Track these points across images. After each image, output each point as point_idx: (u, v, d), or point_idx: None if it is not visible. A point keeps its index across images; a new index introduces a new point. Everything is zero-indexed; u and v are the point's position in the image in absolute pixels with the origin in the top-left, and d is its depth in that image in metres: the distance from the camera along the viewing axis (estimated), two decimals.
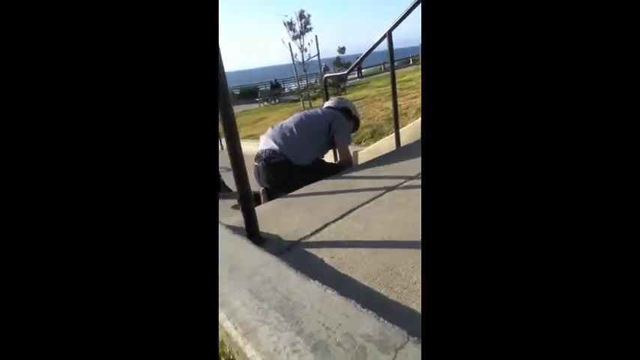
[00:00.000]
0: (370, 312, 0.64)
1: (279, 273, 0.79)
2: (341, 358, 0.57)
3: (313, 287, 0.71)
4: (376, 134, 3.23)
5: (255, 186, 1.75)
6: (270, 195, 1.89)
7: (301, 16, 13.71)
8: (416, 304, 0.72)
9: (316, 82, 12.99)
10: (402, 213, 1.18)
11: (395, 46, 2.23)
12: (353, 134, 2.46)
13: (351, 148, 2.76)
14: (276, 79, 17.73)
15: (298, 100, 12.31)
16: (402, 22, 2.08)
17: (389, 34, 2.14)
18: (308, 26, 13.76)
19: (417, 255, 0.90)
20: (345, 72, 2.38)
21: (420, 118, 2.82)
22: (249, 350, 0.63)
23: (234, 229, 1.14)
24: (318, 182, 1.66)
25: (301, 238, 1.11)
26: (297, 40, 13.45)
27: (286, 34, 13.45)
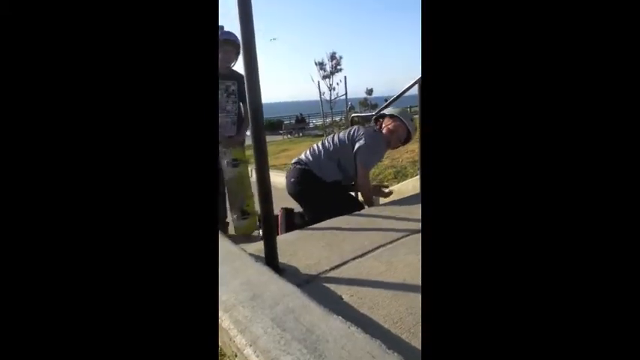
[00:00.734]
0: (396, 354, 0.63)
1: (302, 304, 0.79)
2: None
3: (337, 323, 0.71)
4: (400, 175, 3.25)
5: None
6: (289, 214, 1.95)
7: (332, 57, 14.30)
8: None
9: (341, 119, 13.28)
10: None
11: None
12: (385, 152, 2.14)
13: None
14: (301, 114, 18.24)
15: (322, 135, 12.55)
16: None
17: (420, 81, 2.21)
18: (338, 67, 14.30)
19: None
20: (373, 113, 2.38)
21: None
22: None
23: (256, 258, 1.15)
24: (340, 218, 1.67)
25: (320, 273, 1.11)
26: (327, 80, 13.94)
27: (316, 73, 14.00)
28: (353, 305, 0.91)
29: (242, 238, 2.11)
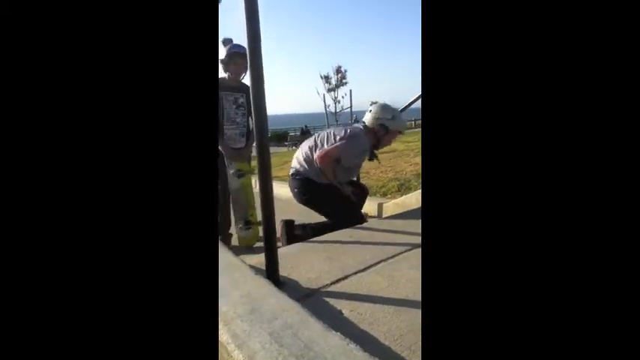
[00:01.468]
0: None
1: (301, 319, 0.78)
2: None
3: (335, 339, 0.70)
4: (403, 188, 3.23)
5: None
6: (289, 226, 1.96)
7: (338, 70, 14.49)
8: None
9: None
10: None
11: None
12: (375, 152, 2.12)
13: (376, 200, 2.73)
14: (306, 125, 18.42)
15: None
16: None
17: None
18: (344, 80, 14.47)
19: None
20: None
21: None
22: None
23: (256, 270, 1.15)
24: (342, 231, 1.66)
25: (321, 287, 1.10)
26: (332, 92, 14.10)
27: (321, 86, 14.16)
28: (353, 321, 0.90)
29: (244, 249, 2.11)
